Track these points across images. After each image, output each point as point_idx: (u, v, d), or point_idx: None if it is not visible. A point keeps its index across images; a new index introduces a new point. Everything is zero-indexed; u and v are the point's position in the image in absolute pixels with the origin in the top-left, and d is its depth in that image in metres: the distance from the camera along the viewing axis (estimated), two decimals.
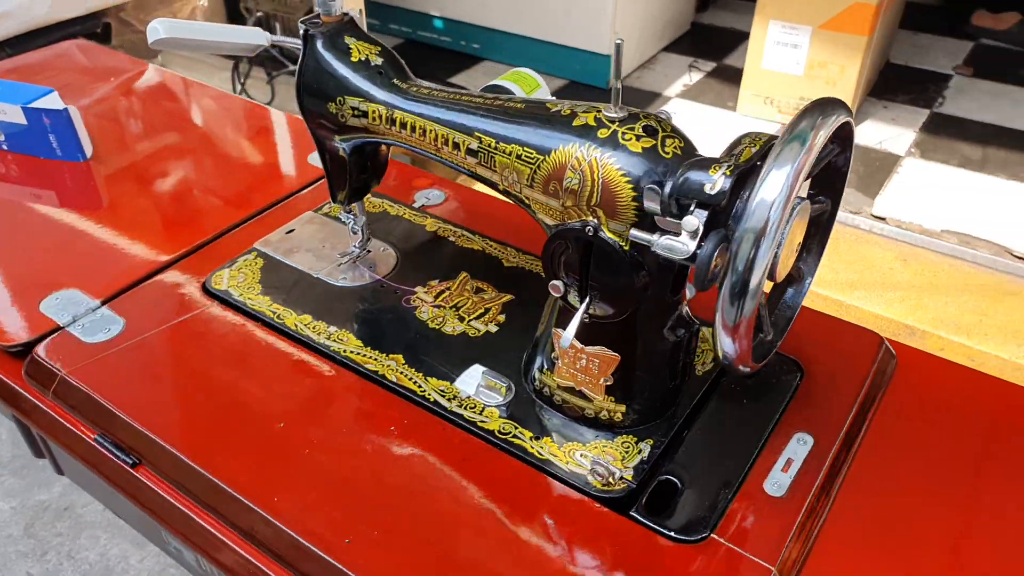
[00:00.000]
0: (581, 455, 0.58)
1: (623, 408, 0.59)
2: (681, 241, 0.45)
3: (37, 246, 0.81)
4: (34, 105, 0.90)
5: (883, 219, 1.83)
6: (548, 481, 0.57)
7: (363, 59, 0.63)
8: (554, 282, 0.55)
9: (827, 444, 0.59)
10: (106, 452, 0.62)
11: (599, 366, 0.58)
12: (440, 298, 0.73)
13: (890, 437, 0.60)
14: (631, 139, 0.50)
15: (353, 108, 0.63)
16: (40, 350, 0.68)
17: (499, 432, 0.60)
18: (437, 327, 0.70)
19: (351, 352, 0.67)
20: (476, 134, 0.56)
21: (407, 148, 0.62)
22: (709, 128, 2.51)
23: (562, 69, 2.80)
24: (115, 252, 0.80)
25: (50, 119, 0.91)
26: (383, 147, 0.69)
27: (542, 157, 0.53)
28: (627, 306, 0.53)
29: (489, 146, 0.55)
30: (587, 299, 0.54)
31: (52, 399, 0.66)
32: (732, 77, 2.81)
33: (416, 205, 0.86)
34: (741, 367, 0.49)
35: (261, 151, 0.97)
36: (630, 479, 0.56)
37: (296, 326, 0.70)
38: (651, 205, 0.47)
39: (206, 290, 0.74)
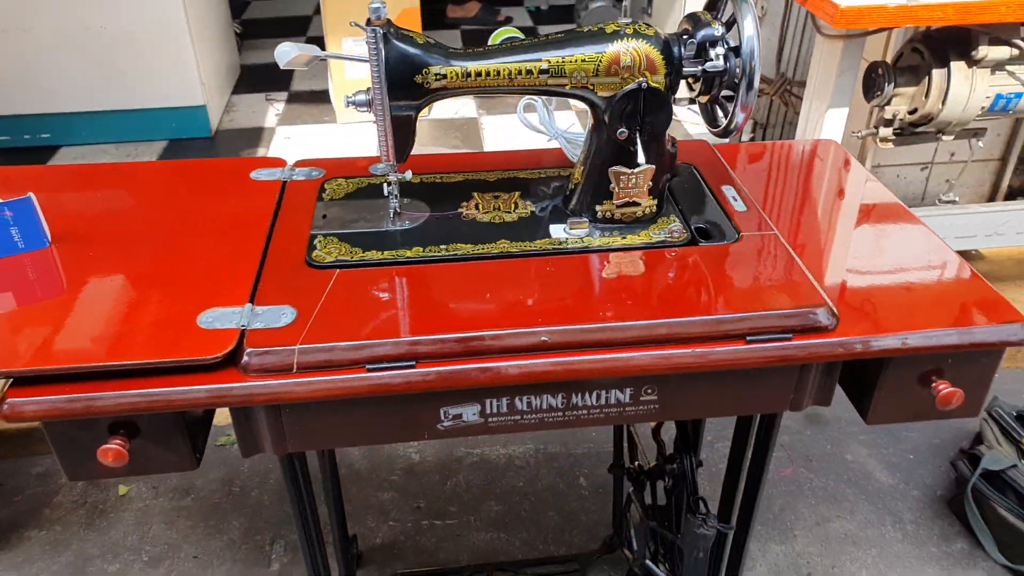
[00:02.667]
0: (654, 232, 0.96)
1: (655, 201, 0.98)
2: (717, 64, 0.86)
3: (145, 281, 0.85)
4: None
5: None
6: (645, 252, 0.93)
7: (425, 41, 0.88)
8: (621, 130, 0.91)
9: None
10: (383, 371, 0.79)
11: (643, 178, 0.95)
12: (480, 208, 1.01)
13: None
14: (644, 28, 0.89)
15: (436, 74, 0.88)
16: (250, 351, 0.79)
17: (596, 248, 0.94)
18: (499, 220, 0.99)
19: (478, 250, 0.93)
20: (544, 59, 0.88)
21: (477, 92, 0.90)
22: (321, 142, 2.82)
23: (158, 131, 2.85)
24: (200, 282, 0.88)
25: (12, 211, 0.90)
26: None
27: (600, 55, 0.88)
28: (665, 128, 0.92)
29: (558, 63, 0.88)
30: (642, 138, 0.91)
31: (297, 372, 0.79)
32: (312, 98, 3.16)
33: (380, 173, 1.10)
34: (734, 130, 0.92)
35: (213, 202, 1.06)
36: (686, 235, 0.95)
37: (419, 254, 0.92)
38: (687, 55, 0.87)
39: (314, 264, 0.90)
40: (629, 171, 0.94)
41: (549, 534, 1.71)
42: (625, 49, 0.88)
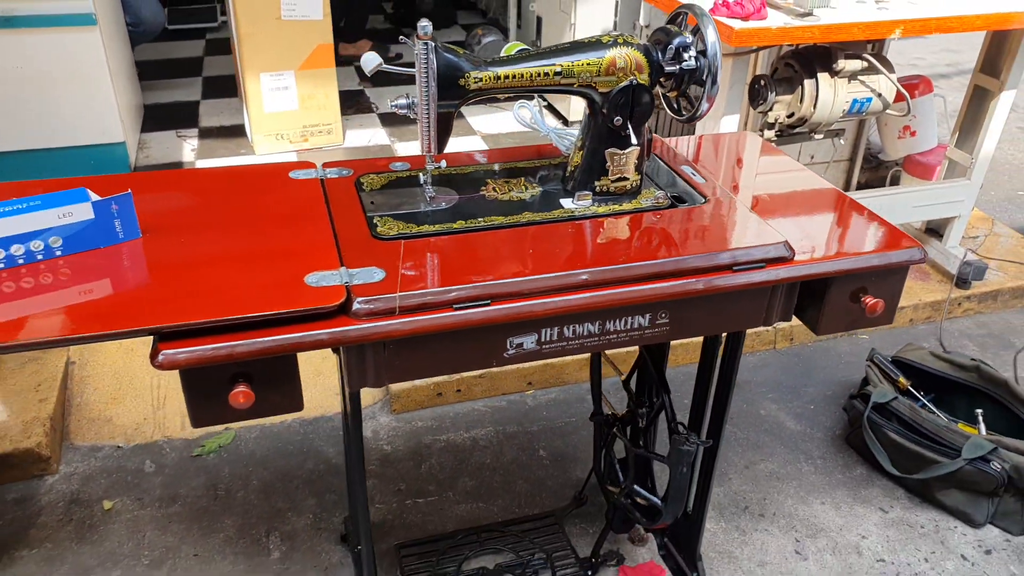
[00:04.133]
0: (643, 200, 1.21)
1: (639, 176, 1.23)
2: (691, 63, 1.13)
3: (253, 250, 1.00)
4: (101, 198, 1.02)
5: None
6: (635, 215, 1.18)
7: (464, 53, 1.10)
8: (617, 118, 1.16)
9: None
10: (468, 309, 0.99)
11: (631, 157, 1.21)
12: (498, 191, 1.23)
13: None
14: (630, 39, 1.15)
15: (475, 78, 1.10)
16: (360, 300, 0.97)
17: (602, 213, 1.18)
18: (517, 199, 1.21)
19: (509, 221, 1.14)
20: (557, 64, 1.12)
21: (511, 92, 1.13)
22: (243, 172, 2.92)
23: (78, 168, 2.87)
24: (291, 255, 1.05)
25: (118, 205, 1.04)
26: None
27: (599, 59, 1.13)
28: (648, 116, 1.17)
29: (567, 66, 1.12)
30: (632, 124, 1.16)
31: (398, 315, 0.98)
32: (224, 133, 3.26)
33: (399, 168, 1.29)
34: (699, 117, 1.19)
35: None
36: (667, 201, 1.21)
37: (463, 226, 1.13)
38: (665, 58, 1.13)
39: (381, 238, 1.09)
40: (621, 152, 1.19)
41: (522, 499, 1.91)
42: (619, 54, 1.13)
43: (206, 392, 0.96)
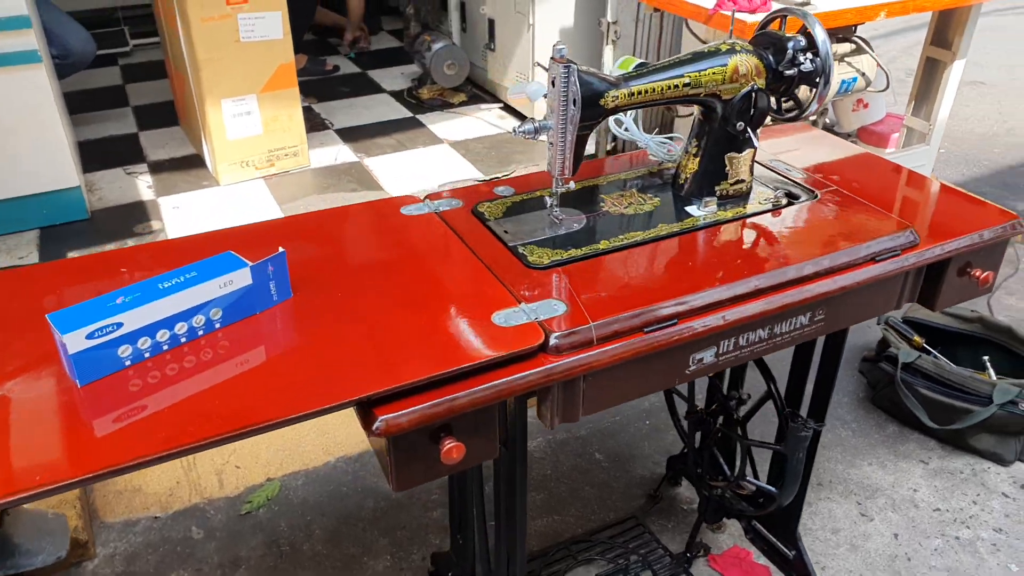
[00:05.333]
0: (761, 200, 1.23)
1: (752, 177, 1.25)
2: (808, 66, 1.15)
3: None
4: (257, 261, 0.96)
5: None
6: (768, 214, 1.20)
7: (595, 73, 1.09)
8: (739, 123, 1.17)
9: None
10: (658, 331, 0.99)
11: (746, 161, 1.22)
12: (617, 205, 1.22)
13: None
14: (748, 46, 1.16)
15: (613, 96, 1.09)
16: (556, 335, 0.95)
17: (731, 218, 1.19)
18: (641, 211, 1.21)
19: (649, 235, 1.14)
20: (686, 75, 1.13)
21: (639, 106, 1.12)
22: (214, 206, 2.83)
23: (32, 220, 2.67)
24: (458, 297, 1.01)
25: (274, 266, 0.97)
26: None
27: (725, 68, 1.14)
28: (765, 119, 1.19)
29: (695, 77, 1.13)
30: (748, 126, 1.18)
31: (596, 345, 0.96)
32: (178, 166, 3.10)
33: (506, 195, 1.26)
34: (804, 116, 1.22)
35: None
36: (785, 200, 1.24)
37: (609, 245, 1.12)
38: (786, 64, 1.15)
39: (536, 267, 1.07)
40: (739, 155, 1.21)
41: (593, 504, 1.91)
42: (740, 61, 1.15)
43: (413, 453, 0.92)
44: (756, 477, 1.55)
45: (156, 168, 3.03)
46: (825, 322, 1.14)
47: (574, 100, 1.06)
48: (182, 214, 2.72)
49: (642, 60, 1.21)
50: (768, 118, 1.22)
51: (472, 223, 1.18)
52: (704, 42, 2.16)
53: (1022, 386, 1.99)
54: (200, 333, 0.94)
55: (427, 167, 3.00)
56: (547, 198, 1.18)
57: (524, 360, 0.93)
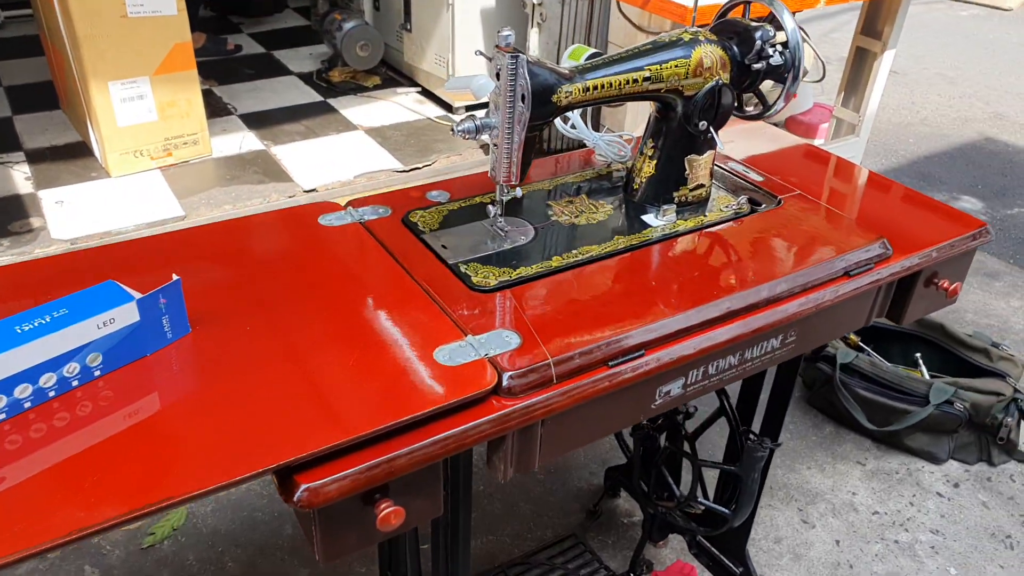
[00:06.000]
0: (722, 207, 1.12)
1: (712, 181, 1.14)
2: (778, 59, 1.04)
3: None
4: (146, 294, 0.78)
5: None
6: (732, 224, 1.09)
7: (548, 65, 0.95)
8: (702, 123, 1.05)
9: None
10: (621, 365, 0.86)
11: (707, 164, 1.11)
12: (567, 213, 1.09)
13: None
14: (712, 36, 1.05)
15: (566, 92, 0.95)
16: (509, 374, 0.81)
17: (692, 228, 1.08)
18: (594, 221, 1.08)
19: (605, 250, 1.01)
20: (646, 68, 1.00)
21: (595, 103, 0.99)
22: (103, 199, 2.58)
23: None
24: (395, 329, 0.86)
25: (167, 298, 0.80)
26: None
27: (688, 60, 1.02)
28: (728, 118, 1.08)
29: (656, 70, 1.00)
30: (710, 126, 1.07)
31: (556, 384, 0.83)
32: (61, 155, 2.81)
33: (438, 200, 1.12)
34: (771, 114, 1.11)
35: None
36: (747, 207, 1.13)
37: (562, 262, 0.99)
38: (752, 57, 1.04)
39: (481, 289, 0.93)
40: (700, 157, 1.09)
41: (530, 521, 1.79)
42: (706, 53, 1.03)
43: (344, 520, 0.76)
44: (705, 496, 1.45)
45: (35, 157, 2.73)
46: (796, 343, 1.04)
47: (522, 96, 0.92)
48: (67, 209, 2.44)
49: (596, 50, 1.08)
50: None
51: (404, 236, 1.03)
52: (638, 27, 2.05)
53: (956, 385, 1.97)
54: (75, 384, 0.76)
55: (340, 155, 2.80)
56: (490, 207, 1.04)
57: (474, 406, 0.79)
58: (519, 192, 1.02)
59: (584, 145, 1.24)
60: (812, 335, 1.06)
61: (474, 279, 0.94)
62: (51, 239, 2.29)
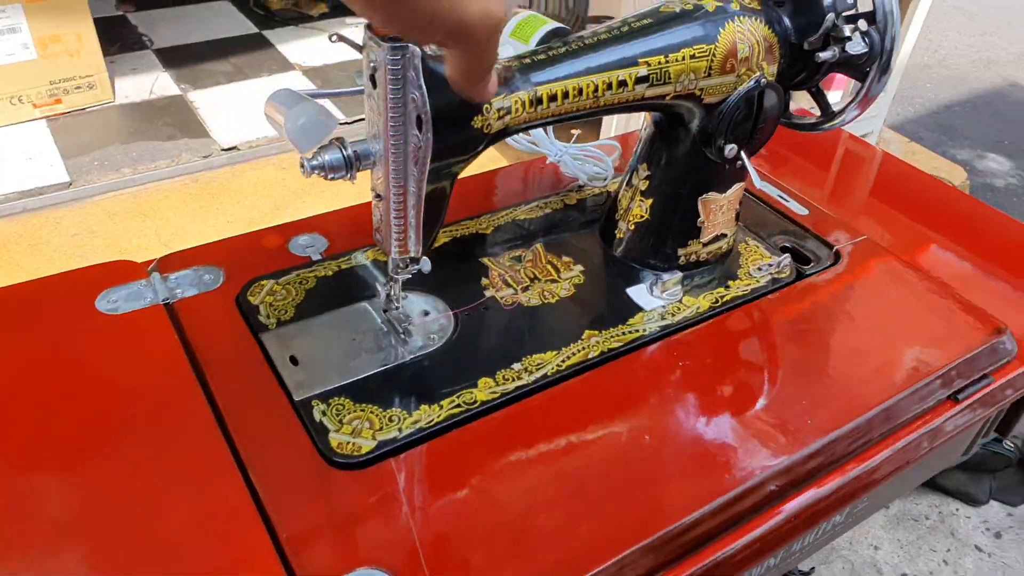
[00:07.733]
0: (753, 270, 0.72)
1: (736, 228, 0.73)
2: (859, 46, 0.62)
3: None
4: None
5: None
6: (761, 312, 0.69)
7: None
8: (731, 146, 0.64)
9: None
10: None
11: (731, 203, 0.70)
12: (512, 284, 0.68)
13: None
14: (748, 2, 0.62)
15: (499, 110, 0.53)
16: None
17: (707, 314, 0.67)
18: (553, 299, 0.68)
19: (570, 361, 0.61)
20: (640, 61, 0.58)
21: (551, 122, 0.57)
22: None
23: None
24: (162, 559, 0.47)
25: None
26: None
27: (712, 46, 0.59)
28: (771, 135, 0.67)
29: (660, 63, 0.58)
30: (742, 151, 0.65)
31: None
32: None
33: (314, 255, 0.70)
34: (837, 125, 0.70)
35: None
36: (790, 269, 0.73)
37: (494, 390, 0.58)
38: (816, 41, 0.62)
39: (345, 461, 0.53)
40: (721, 196, 0.68)
41: None
42: (740, 33, 0.60)
43: None
44: None
45: None
46: (867, 507, 0.65)
47: (418, 120, 0.50)
48: None
49: (558, 24, 0.65)
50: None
51: (232, 335, 0.62)
52: None
53: None
54: None
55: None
56: (379, 287, 0.63)
57: None
58: (426, 264, 0.61)
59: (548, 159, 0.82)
60: (889, 493, 0.67)
61: (334, 440, 0.54)
62: None
